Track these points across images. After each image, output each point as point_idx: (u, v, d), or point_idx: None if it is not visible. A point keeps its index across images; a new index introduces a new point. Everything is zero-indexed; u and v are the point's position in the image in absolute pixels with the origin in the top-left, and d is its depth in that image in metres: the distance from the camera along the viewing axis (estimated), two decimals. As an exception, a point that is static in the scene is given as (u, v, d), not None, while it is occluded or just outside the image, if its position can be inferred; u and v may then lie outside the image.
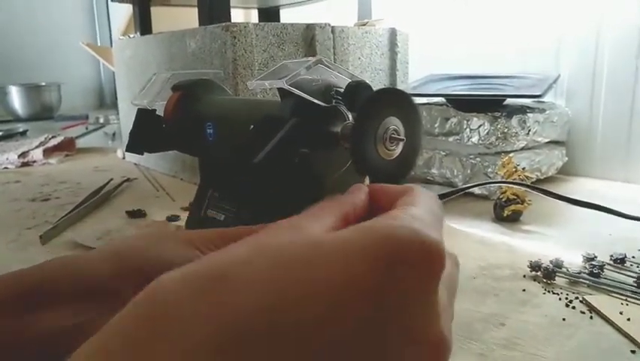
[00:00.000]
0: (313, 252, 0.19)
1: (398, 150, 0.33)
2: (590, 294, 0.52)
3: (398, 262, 0.19)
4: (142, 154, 0.52)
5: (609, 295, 0.52)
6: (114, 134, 1.76)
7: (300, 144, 0.36)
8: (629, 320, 0.46)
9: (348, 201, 0.26)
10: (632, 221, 0.68)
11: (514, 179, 0.74)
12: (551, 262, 0.57)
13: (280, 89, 0.37)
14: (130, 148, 0.52)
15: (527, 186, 0.73)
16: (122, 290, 0.25)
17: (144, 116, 0.52)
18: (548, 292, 0.53)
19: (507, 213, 0.74)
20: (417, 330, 0.19)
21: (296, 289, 0.17)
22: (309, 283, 0.18)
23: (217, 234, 0.29)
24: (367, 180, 0.33)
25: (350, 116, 0.36)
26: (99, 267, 0.26)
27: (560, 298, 0.51)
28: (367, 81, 0.36)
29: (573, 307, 0.50)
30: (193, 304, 0.17)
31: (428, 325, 0.20)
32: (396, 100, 0.33)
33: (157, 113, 0.52)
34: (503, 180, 0.75)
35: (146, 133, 0.52)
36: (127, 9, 1.68)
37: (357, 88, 0.35)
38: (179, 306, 0.17)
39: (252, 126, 0.38)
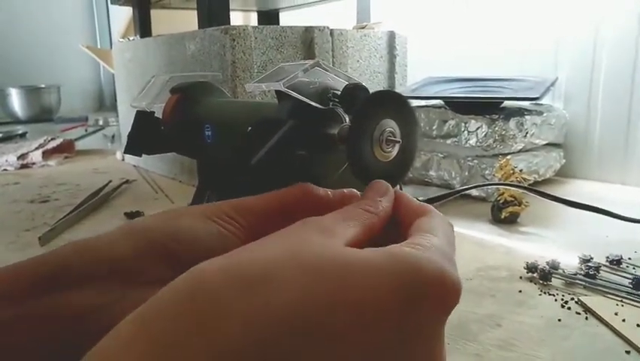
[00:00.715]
0: (345, 269, 0.20)
1: (394, 151, 0.33)
2: (586, 295, 0.52)
3: (422, 294, 0.21)
4: (140, 156, 0.52)
5: (605, 296, 0.52)
6: (113, 136, 1.77)
7: (298, 146, 0.37)
8: (624, 321, 0.47)
9: (374, 210, 0.27)
10: (629, 223, 0.69)
11: (512, 181, 0.74)
12: (548, 263, 0.58)
13: (278, 92, 0.38)
14: (128, 150, 0.53)
15: (525, 188, 0.73)
16: (144, 267, 0.26)
17: (143, 118, 0.52)
18: (544, 293, 0.53)
19: (504, 215, 0.75)
20: (425, 354, 0.21)
21: (328, 299, 0.19)
22: (340, 296, 0.19)
23: (229, 205, 0.30)
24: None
25: (347, 119, 0.37)
26: (120, 246, 0.26)
27: (555, 300, 0.52)
28: (366, 84, 0.36)
29: (569, 308, 0.50)
30: (235, 302, 0.18)
31: (435, 351, 0.22)
32: (392, 102, 0.33)
33: (155, 115, 0.53)
34: (501, 182, 0.75)
35: (145, 135, 0.53)
36: (127, 12, 1.69)
37: (354, 90, 0.35)
38: (220, 302, 0.18)
39: (249, 128, 0.38)
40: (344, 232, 0.24)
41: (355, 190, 0.32)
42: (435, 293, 0.21)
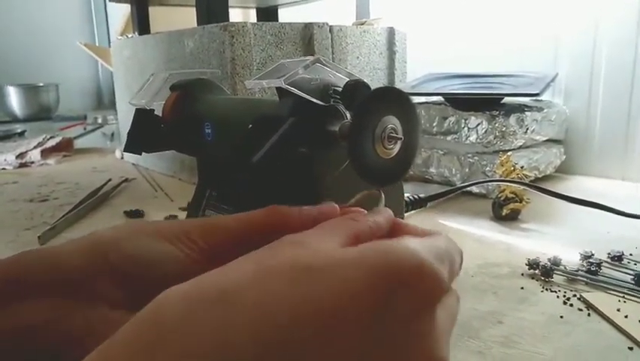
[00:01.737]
0: (315, 269, 0.19)
1: (396, 148, 0.33)
2: (588, 291, 0.52)
3: (398, 282, 0.19)
4: (140, 154, 0.52)
5: (607, 292, 0.52)
6: (112, 134, 1.76)
7: (299, 143, 0.37)
8: (626, 317, 0.46)
9: (363, 220, 0.26)
10: (630, 219, 0.69)
11: (513, 178, 0.74)
12: (549, 260, 0.57)
13: (278, 89, 0.37)
14: (128, 148, 0.52)
15: (525, 184, 0.73)
16: (96, 284, 0.25)
17: (142, 116, 0.52)
18: (546, 289, 0.53)
19: (505, 212, 0.75)
20: (415, 350, 0.20)
21: (291, 313, 0.18)
22: (306, 306, 0.18)
23: (193, 226, 0.29)
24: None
25: (348, 115, 0.36)
26: (74, 259, 0.26)
27: (557, 296, 0.52)
28: (365, 80, 0.36)
29: (571, 305, 0.50)
30: (193, 323, 0.17)
31: (426, 346, 0.20)
32: (394, 99, 0.33)
33: (155, 113, 0.53)
34: (501, 178, 0.75)
35: (145, 133, 0.52)
36: (125, 9, 1.68)
37: (355, 87, 0.35)
38: (179, 324, 0.17)
39: (250, 126, 0.38)
40: (320, 244, 0.22)
41: (334, 204, 0.30)
42: (412, 281, 0.19)
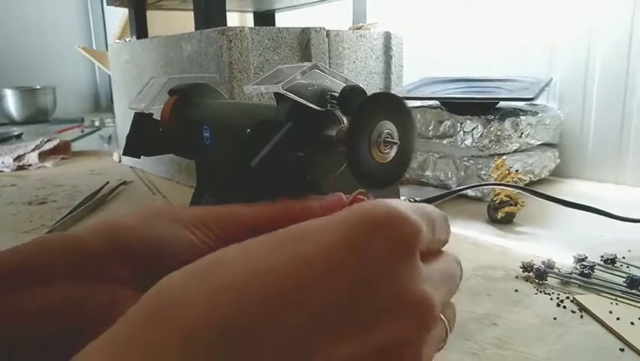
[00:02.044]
0: (298, 232, 0.21)
1: (392, 153, 0.34)
2: (581, 294, 0.53)
3: (373, 226, 0.21)
4: (139, 157, 0.52)
5: (599, 294, 0.53)
6: (110, 137, 1.77)
7: (296, 148, 0.37)
8: (618, 319, 0.47)
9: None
10: (623, 222, 0.69)
11: (508, 181, 0.75)
12: (543, 262, 0.58)
13: (276, 94, 0.38)
14: (127, 152, 0.53)
15: (520, 188, 0.74)
16: (111, 266, 0.26)
17: (141, 120, 0.52)
18: (540, 292, 0.54)
19: (500, 215, 0.75)
20: (399, 290, 0.21)
21: (285, 262, 0.19)
22: (296, 257, 0.19)
23: (208, 214, 0.30)
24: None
25: (345, 120, 0.37)
26: (90, 243, 0.27)
27: (551, 298, 0.52)
28: (362, 85, 0.37)
29: (564, 307, 0.50)
30: (189, 292, 0.18)
31: (409, 285, 0.21)
32: (390, 104, 0.33)
33: (154, 117, 0.53)
34: (497, 182, 0.76)
35: (143, 137, 0.53)
36: (122, 13, 1.69)
37: (352, 92, 0.36)
38: (178, 295, 0.18)
39: (248, 130, 0.38)
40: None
41: (341, 194, 0.32)
42: (386, 225, 0.21)
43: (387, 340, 0.20)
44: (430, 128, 0.95)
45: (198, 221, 0.29)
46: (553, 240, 0.69)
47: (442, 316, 0.24)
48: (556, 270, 0.58)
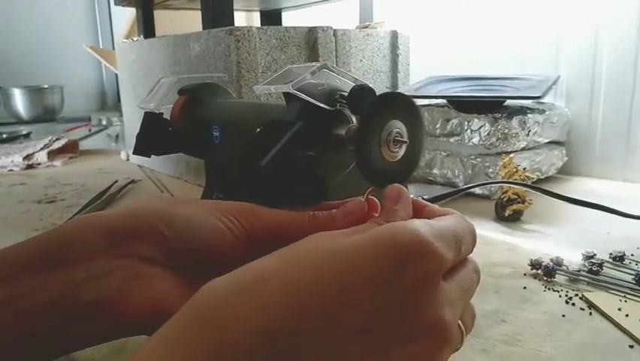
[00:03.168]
0: (327, 259, 0.22)
1: (401, 152, 0.34)
2: (590, 291, 0.53)
3: (402, 259, 0.22)
4: (149, 157, 0.53)
5: (608, 292, 0.53)
6: (117, 136, 1.78)
7: (306, 147, 0.37)
8: (627, 316, 0.47)
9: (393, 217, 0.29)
10: (631, 219, 0.69)
11: (515, 179, 0.75)
12: (552, 260, 0.58)
13: (286, 94, 0.38)
14: (137, 151, 0.53)
15: (528, 186, 0.74)
16: (137, 245, 0.28)
17: (151, 119, 0.53)
18: (548, 289, 0.54)
19: (508, 213, 0.75)
20: (421, 316, 0.23)
21: (320, 291, 0.21)
22: (331, 287, 0.21)
23: (236, 206, 0.32)
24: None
25: (354, 120, 0.37)
26: (119, 223, 0.29)
27: (559, 296, 0.52)
28: (369, 83, 0.37)
29: (573, 304, 0.51)
30: (233, 302, 0.20)
31: (431, 311, 0.23)
32: (399, 104, 0.34)
33: (164, 116, 0.54)
34: (504, 180, 0.76)
35: (153, 136, 0.53)
36: (130, 13, 1.70)
37: (361, 92, 0.36)
38: (222, 305, 0.20)
39: (258, 129, 0.39)
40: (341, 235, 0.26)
41: (360, 199, 0.33)
42: (413, 257, 0.22)
43: (407, 357, 0.22)
44: (437, 126, 0.95)
45: (225, 210, 0.31)
46: (562, 237, 0.69)
47: (459, 322, 0.25)
48: (564, 267, 0.58)
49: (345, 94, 0.37)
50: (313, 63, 0.39)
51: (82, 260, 0.28)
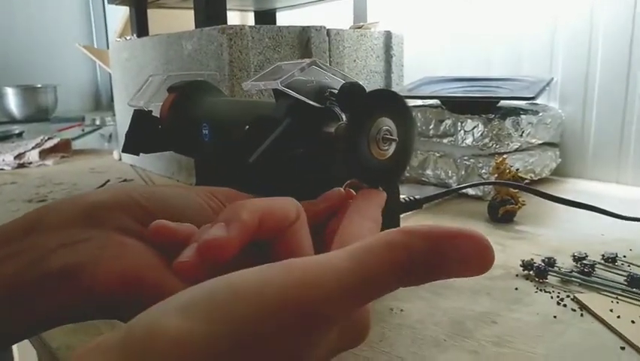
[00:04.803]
0: (306, 278, 0.22)
1: (391, 150, 0.34)
2: (582, 292, 0.53)
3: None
4: (138, 155, 0.52)
5: (600, 293, 0.52)
6: (110, 135, 1.77)
7: (295, 144, 0.37)
8: (619, 317, 0.47)
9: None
10: (624, 221, 0.69)
11: (508, 180, 0.74)
12: (544, 261, 0.58)
13: (275, 90, 0.38)
14: (126, 149, 0.53)
15: (521, 187, 0.74)
16: (116, 216, 0.29)
17: (140, 117, 0.52)
18: (540, 290, 0.54)
19: (501, 214, 0.75)
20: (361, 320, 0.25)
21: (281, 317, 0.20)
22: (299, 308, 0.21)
23: (218, 189, 0.33)
24: None
25: (343, 117, 0.37)
26: (100, 195, 0.30)
27: (551, 297, 0.52)
28: (363, 83, 0.36)
29: (564, 305, 0.50)
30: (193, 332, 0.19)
31: (368, 316, 0.26)
32: (388, 101, 0.33)
33: (153, 114, 0.53)
34: (497, 180, 0.75)
35: (143, 134, 0.53)
36: (123, 11, 1.69)
37: (351, 89, 0.36)
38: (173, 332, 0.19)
39: (247, 127, 0.38)
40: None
41: (340, 189, 0.34)
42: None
43: (342, 347, 0.24)
44: (431, 127, 0.95)
45: (207, 190, 0.32)
46: (554, 238, 0.69)
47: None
48: (556, 268, 0.58)
49: (335, 91, 0.37)
50: (303, 60, 0.39)
51: (55, 228, 0.27)
